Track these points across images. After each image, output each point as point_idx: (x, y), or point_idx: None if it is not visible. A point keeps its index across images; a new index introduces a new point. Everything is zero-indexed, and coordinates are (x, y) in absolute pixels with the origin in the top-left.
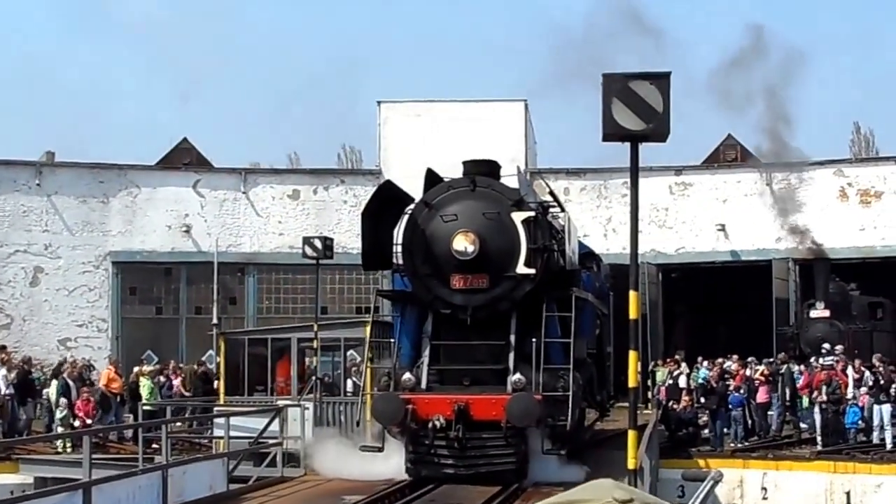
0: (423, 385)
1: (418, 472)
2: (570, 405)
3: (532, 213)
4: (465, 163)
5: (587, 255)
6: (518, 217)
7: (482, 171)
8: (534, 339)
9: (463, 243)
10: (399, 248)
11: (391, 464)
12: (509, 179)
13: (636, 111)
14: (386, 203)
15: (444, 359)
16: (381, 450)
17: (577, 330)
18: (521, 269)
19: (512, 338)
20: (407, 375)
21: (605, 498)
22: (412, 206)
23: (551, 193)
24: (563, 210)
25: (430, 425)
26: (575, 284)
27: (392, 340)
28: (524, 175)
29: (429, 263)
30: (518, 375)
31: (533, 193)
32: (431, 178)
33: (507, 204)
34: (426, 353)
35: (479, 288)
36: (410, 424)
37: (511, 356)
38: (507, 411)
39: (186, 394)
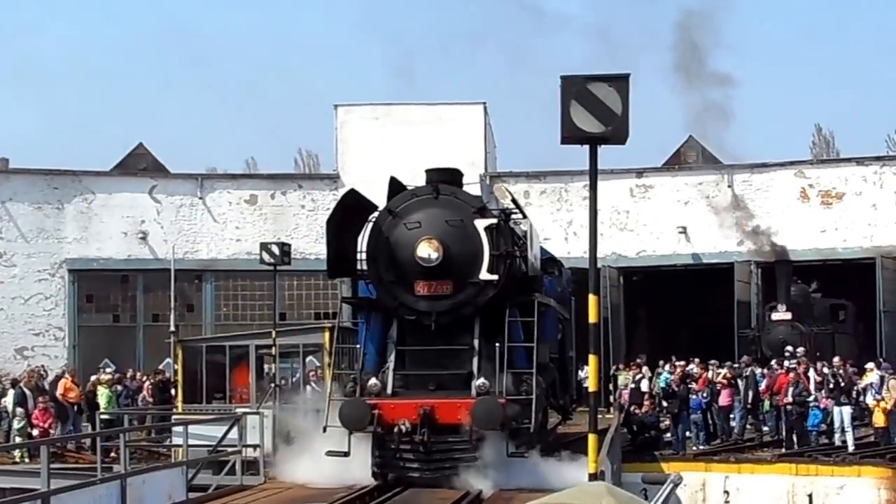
0: (389, 390)
1: (384, 476)
2: (534, 408)
3: (494, 220)
4: (427, 171)
5: (549, 260)
6: (481, 224)
7: (445, 178)
8: (497, 344)
9: (427, 250)
10: (363, 256)
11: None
12: (472, 187)
13: (595, 114)
14: (350, 211)
15: (409, 364)
16: (347, 454)
17: (540, 334)
18: (485, 275)
19: (476, 343)
20: (373, 381)
21: None
22: (376, 213)
23: (513, 201)
24: (524, 216)
25: (395, 430)
26: (537, 290)
27: (357, 346)
28: (485, 180)
29: (393, 270)
30: (482, 380)
31: (493, 198)
32: (395, 186)
33: (469, 211)
34: (391, 358)
35: (442, 294)
36: (376, 429)
37: (475, 361)
38: (471, 415)
39: (150, 400)
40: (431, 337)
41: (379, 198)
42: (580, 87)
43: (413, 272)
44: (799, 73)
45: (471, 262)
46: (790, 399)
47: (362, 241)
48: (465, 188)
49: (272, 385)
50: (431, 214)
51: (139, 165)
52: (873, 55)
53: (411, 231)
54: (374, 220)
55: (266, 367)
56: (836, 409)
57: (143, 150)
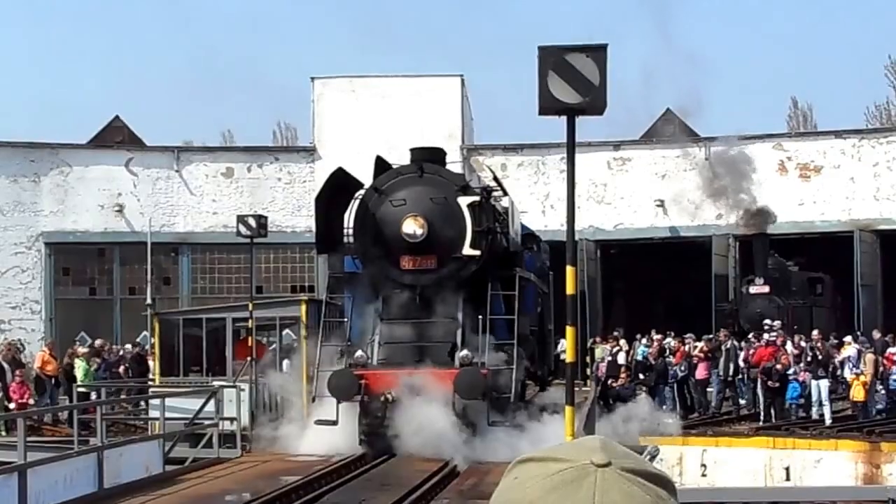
0: (375, 361)
1: (371, 445)
2: (514, 379)
3: (477, 198)
4: (412, 150)
5: (528, 235)
6: (464, 202)
7: (429, 157)
8: (480, 317)
9: (412, 226)
10: (351, 232)
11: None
12: (454, 166)
13: (572, 84)
14: (337, 189)
15: (394, 336)
16: (335, 423)
17: (521, 307)
18: (468, 250)
19: (459, 315)
20: (359, 352)
21: (582, 460)
22: (362, 191)
23: (495, 179)
24: (505, 194)
25: (382, 399)
26: (518, 264)
27: (345, 319)
28: (463, 152)
29: (379, 246)
30: (465, 351)
31: (475, 176)
32: (380, 165)
33: (453, 189)
34: (377, 330)
35: (427, 269)
36: (363, 398)
37: (458, 333)
38: (455, 385)
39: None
40: (416, 310)
41: (355, 169)
42: (558, 57)
43: (399, 247)
44: (775, 45)
45: (454, 238)
46: (776, 383)
47: (349, 217)
48: (448, 166)
49: (248, 358)
50: (416, 192)
51: (115, 138)
52: (850, 27)
53: (397, 208)
54: (360, 197)
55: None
56: (813, 383)
57: (120, 122)
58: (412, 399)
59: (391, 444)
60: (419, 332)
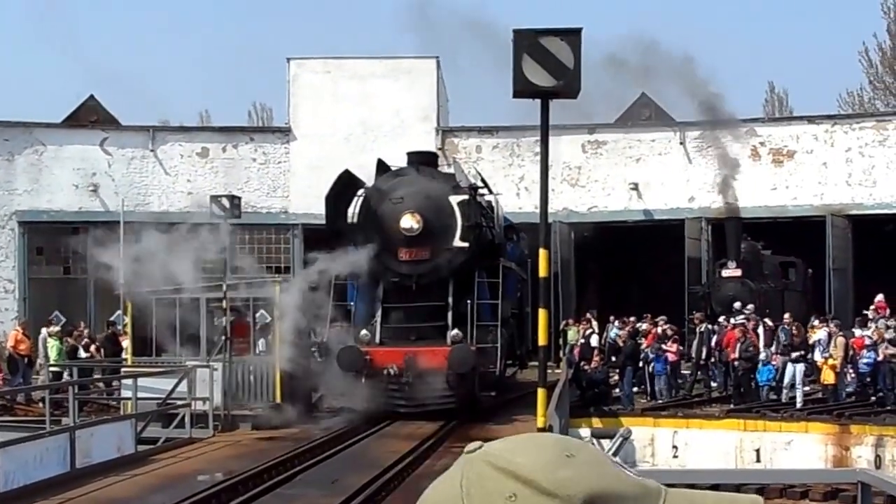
0: (377, 340)
1: (376, 410)
2: (499, 356)
3: (466, 196)
4: (409, 153)
5: (510, 228)
6: (454, 199)
7: (423, 160)
8: (468, 301)
9: (409, 222)
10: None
11: None
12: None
13: (547, 67)
14: (344, 187)
15: (393, 318)
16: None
17: (503, 293)
18: (458, 243)
19: (450, 300)
20: (364, 332)
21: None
22: (364, 189)
23: (483, 181)
24: (490, 192)
25: (384, 372)
26: (501, 255)
27: (350, 304)
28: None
29: (380, 239)
30: (456, 331)
31: (458, 166)
32: (381, 167)
33: (445, 188)
34: (378, 313)
35: (422, 259)
36: (368, 372)
37: (449, 315)
38: (448, 360)
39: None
40: (412, 296)
41: (331, 152)
42: (532, 41)
43: (397, 240)
44: (753, 30)
45: (446, 232)
46: (737, 354)
47: (353, 213)
48: (441, 168)
49: (223, 338)
50: (413, 191)
51: (90, 118)
52: (828, 13)
53: (395, 205)
54: (363, 195)
55: (216, 320)
56: (788, 366)
57: (95, 102)
58: (411, 372)
59: (393, 409)
60: (415, 315)
